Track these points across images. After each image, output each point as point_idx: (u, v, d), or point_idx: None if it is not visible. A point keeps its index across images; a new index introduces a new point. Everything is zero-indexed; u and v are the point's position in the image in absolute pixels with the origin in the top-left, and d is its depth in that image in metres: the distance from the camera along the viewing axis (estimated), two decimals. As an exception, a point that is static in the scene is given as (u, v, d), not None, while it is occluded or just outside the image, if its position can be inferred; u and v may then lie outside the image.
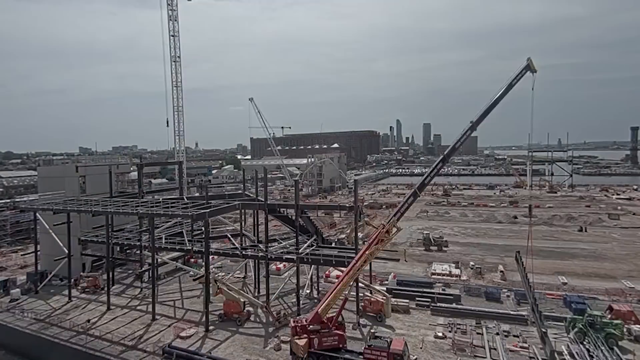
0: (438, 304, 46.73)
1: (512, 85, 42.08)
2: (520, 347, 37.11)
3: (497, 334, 39.89)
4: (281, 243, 53.93)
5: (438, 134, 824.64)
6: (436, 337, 40.04)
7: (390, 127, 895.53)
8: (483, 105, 41.98)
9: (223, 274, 59.90)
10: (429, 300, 47.91)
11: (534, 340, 37.76)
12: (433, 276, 58.45)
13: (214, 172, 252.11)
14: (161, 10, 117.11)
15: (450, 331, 40.80)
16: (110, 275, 54.27)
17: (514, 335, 39.64)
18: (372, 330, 40.54)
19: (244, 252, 51.20)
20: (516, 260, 42.88)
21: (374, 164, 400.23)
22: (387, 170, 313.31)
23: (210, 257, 50.59)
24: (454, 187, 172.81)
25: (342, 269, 43.63)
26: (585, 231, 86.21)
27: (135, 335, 42.78)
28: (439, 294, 49.28)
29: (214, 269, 59.56)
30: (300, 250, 46.63)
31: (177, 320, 46.42)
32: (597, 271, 59.96)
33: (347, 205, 51.87)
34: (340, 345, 36.33)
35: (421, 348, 37.99)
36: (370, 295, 46.72)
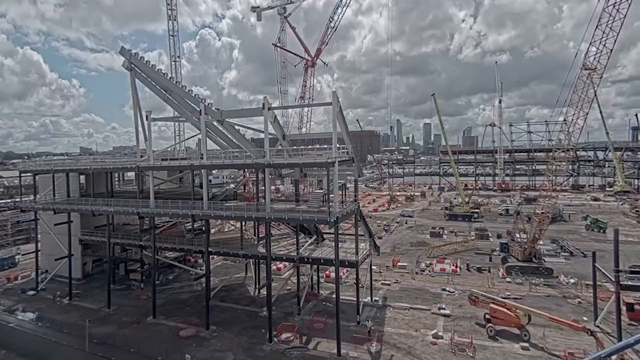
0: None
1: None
2: None
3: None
4: (281, 243, 53.75)
5: (438, 133, 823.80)
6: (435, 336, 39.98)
7: (391, 127, 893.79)
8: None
9: None
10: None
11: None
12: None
13: (214, 171, 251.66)
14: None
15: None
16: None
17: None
18: None
19: (244, 252, 51.01)
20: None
21: (375, 164, 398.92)
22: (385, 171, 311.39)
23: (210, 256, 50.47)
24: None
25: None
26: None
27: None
28: None
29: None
30: (300, 250, 46.52)
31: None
32: None
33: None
34: None
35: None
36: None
